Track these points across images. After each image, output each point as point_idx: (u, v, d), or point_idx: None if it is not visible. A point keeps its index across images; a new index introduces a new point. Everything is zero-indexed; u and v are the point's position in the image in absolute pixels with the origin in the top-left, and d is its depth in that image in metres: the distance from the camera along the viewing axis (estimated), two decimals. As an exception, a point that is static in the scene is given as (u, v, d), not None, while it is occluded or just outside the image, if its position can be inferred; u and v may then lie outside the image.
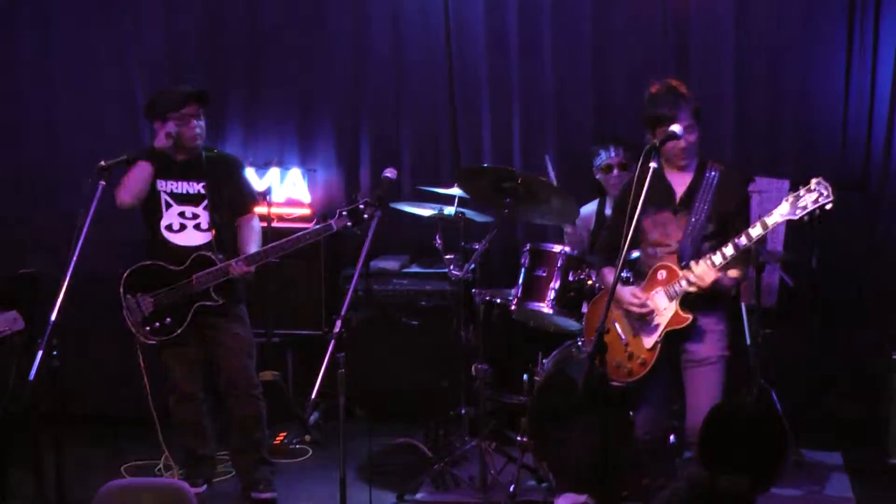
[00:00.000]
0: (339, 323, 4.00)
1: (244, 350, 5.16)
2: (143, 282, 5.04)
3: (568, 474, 5.04)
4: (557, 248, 5.27)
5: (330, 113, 6.49)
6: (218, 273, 4.98)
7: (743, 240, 4.16)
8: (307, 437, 5.94)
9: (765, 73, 5.95)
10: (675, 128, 4.24)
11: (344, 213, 4.79)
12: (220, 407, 5.26)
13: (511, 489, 5.09)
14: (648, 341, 4.37)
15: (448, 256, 5.43)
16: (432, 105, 6.38)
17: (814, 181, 4.06)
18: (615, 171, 5.56)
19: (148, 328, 5.03)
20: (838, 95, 5.86)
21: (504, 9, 6.17)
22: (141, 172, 5.04)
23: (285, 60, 6.44)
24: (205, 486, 5.30)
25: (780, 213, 4.09)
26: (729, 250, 4.18)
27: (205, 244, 5.08)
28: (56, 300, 4.18)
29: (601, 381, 3.96)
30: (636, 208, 3.95)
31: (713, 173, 4.37)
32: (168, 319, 5.02)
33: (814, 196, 4.02)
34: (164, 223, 5.10)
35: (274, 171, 6.38)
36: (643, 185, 4.02)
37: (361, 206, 4.75)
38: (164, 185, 5.11)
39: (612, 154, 5.56)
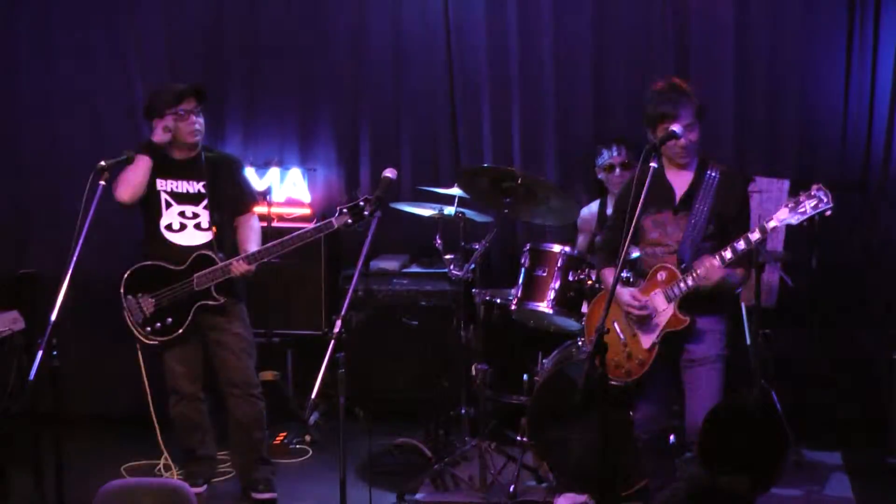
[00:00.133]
0: (339, 323, 3.99)
1: (244, 350, 5.16)
2: (144, 282, 5.04)
3: (568, 474, 5.04)
4: (557, 248, 5.27)
5: (330, 113, 6.49)
6: (219, 272, 4.98)
7: (742, 244, 4.16)
8: (307, 437, 5.95)
9: (765, 73, 5.95)
10: (676, 127, 4.25)
11: (344, 210, 4.79)
12: (220, 407, 5.26)
13: (511, 489, 5.10)
14: (647, 342, 4.37)
15: (448, 256, 5.43)
16: (432, 105, 6.38)
17: (814, 187, 4.06)
18: (617, 171, 5.56)
19: (149, 328, 5.03)
20: (838, 95, 5.86)
21: (504, 9, 6.17)
22: (139, 167, 5.03)
23: (285, 60, 6.44)
24: (205, 486, 5.30)
25: (779, 218, 4.10)
26: (728, 254, 4.18)
27: (205, 243, 5.08)
28: (56, 300, 4.18)
29: (601, 381, 3.96)
30: (636, 208, 3.95)
31: (714, 173, 4.37)
32: (169, 319, 5.02)
33: (813, 202, 4.02)
34: (163, 223, 5.10)
35: (274, 171, 6.38)
36: (643, 185, 4.03)
37: (362, 203, 4.75)
38: (164, 185, 5.11)
39: (615, 153, 5.56)
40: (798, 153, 5.94)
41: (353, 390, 4.24)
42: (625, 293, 4.40)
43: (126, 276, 5.07)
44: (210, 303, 5.01)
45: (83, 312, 5.80)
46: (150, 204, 5.11)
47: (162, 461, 5.40)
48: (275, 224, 6.08)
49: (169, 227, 5.10)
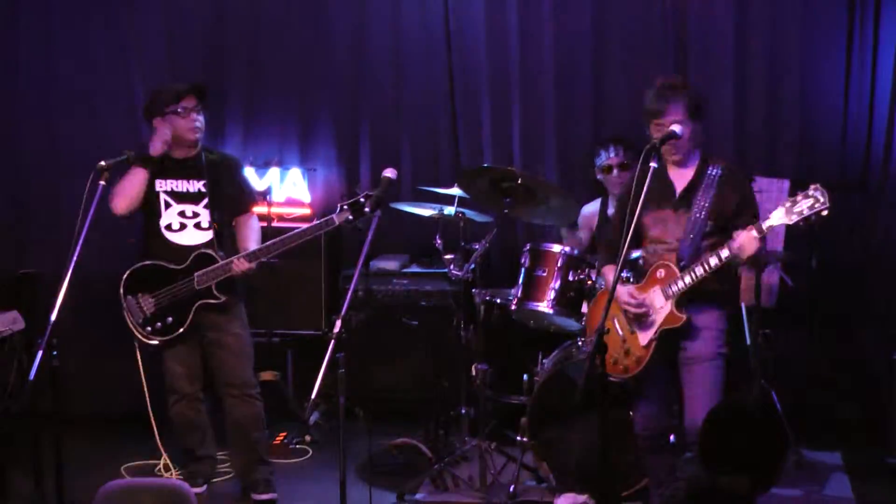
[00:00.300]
0: (339, 323, 3.99)
1: (243, 350, 5.16)
2: (144, 282, 5.04)
3: (568, 474, 5.04)
4: (557, 248, 5.27)
5: (330, 113, 6.49)
6: (220, 270, 4.98)
7: (726, 253, 4.15)
8: (307, 437, 5.95)
9: (765, 73, 5.95)
10: (675, 127, 4.25)
11: (345, 206, 4.78)
12: (220, 407, 5.26)
13: (511, 489, 5.10)
14: (644, 339, 4.38)
15: (448, 256, 5.43)
16: (432, 105, 6.38)
17: (811, 187, 4.05)
18: (615, 171, 5.56)
19: (150, 328, 5.03)
20: (838, 95, 5.86)
21: (504, 9, 6.17)
22: (135, 179, 5.04)
23: (285, 60, 6.44)
24: (205, 486, 5.30)
25: (777, 218, 4.08)
26: (725, 252, 4.18)
27: (205, 243, 5.07)
28: (56, 300, 4.18)
29: (601, 381, 3.96)
30: (636, 208, 3.95)
31: (715, 171, 4.36)
32: (170, 319, 5.02)
33: (809, 202, 4.00)
34: (163, 223, 5.10)
35: (274, 171, 6.38)
36: (643, 185, 4.04)
37: (362, 200, 4.75)
38: (163, 185, 5.10)
39: (613, 154, 5.56)
40: (798, 153, 5.94)
41: (353, 390, 4.24)
42: (622, 291, 4.41)
43: (126, 276, 5.06)
44: (211, 301, 5.01)
45: (83, 312, 5.81)
46: (149, 205, 5.10)
47: (162, 461, 5.40)
48: (275, 224, 6.08)
49: (169, 227, 5.10)
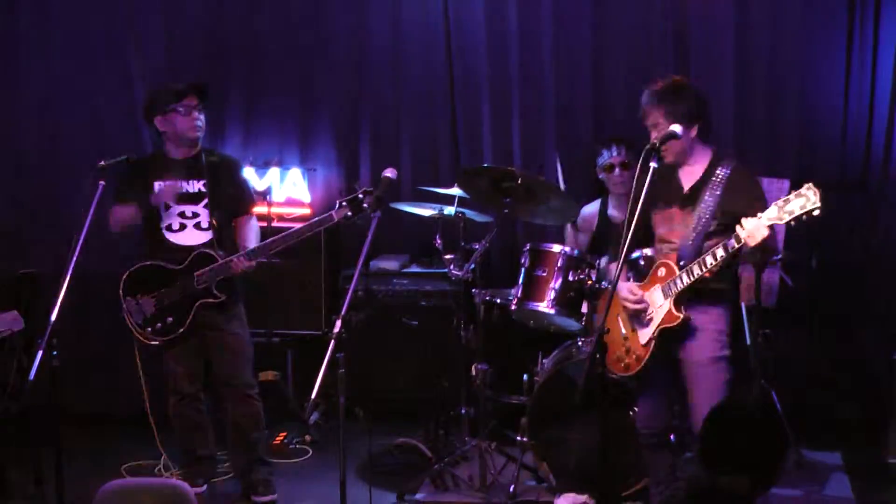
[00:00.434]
0: (339, 323, 3.99)
1: (242, 350, 5.16)
2: (143, 282, 5.04)
3: (568, 474, 5.04)
4: (557, 248, 5.27)
5: (330, 113, 6.49)
6: (220, 269, 4.98)
7: (733, 243, 4.14)
8: (307, 437, 5.95)
9: (765, 73, 5.95)
10: (675, 127, 4.25)
11: (344, 203, 4.78)
12: (220, 407, 5.26)
13: (511, 489, 5.10)
14: (644, 337, 4.38)
15: (448, 256, 5.43)
16: (432, 105, 6.38)
17: (805, 186, 4.01)
18: (617, 171, 5.56)
19: (150, 329, 5.03)
20: (838, 95, 5.86)
21: (504, 9, 6.17)
22: (124, 214, 5.11)
23: (285, 60, 6.44)
24: (205, 486, 5.30)
25: (768, 217, 4.05)
26: (720, 252, 4.16)
27: (205, 243, 5.07)
28: (56, 300, 4.18)
29: (601, 381, 3.96)
30: (636, 208, 3.95)
31: (724, 170, 4.34)
32: (170, 319, 5.02)
33: (801, 202, 3.96)
34: (163, 224, 5.10)
35: (274, 171, 6.38)
36: (643, 185, 4.04)
37: (361, 196, 4.75)
38: (162, 187, 5.10)
39: (614, 153, 5.56)
40: (798, 153, 5.94)
41: (353, 390, 4.23)
42: (623, 287, 4.42)
43: (125, 277, 5.06)
44: (211, 300, 5.01)
45: (83, 312, 5.81)
46: (148, 208, 5.11)
47: (162, 461, 5.40)
48: (275, 224, 6.08)
49: (169, 228, 5.11)
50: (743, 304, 5.33)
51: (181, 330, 5.02)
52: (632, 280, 4.62)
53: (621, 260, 4.03)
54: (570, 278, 5.19)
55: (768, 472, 4.56)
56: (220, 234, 5.11)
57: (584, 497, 4.93)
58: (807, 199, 3.94)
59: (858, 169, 5.88)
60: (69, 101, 6.45)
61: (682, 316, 4.28)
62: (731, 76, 5.94)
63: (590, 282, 5.15)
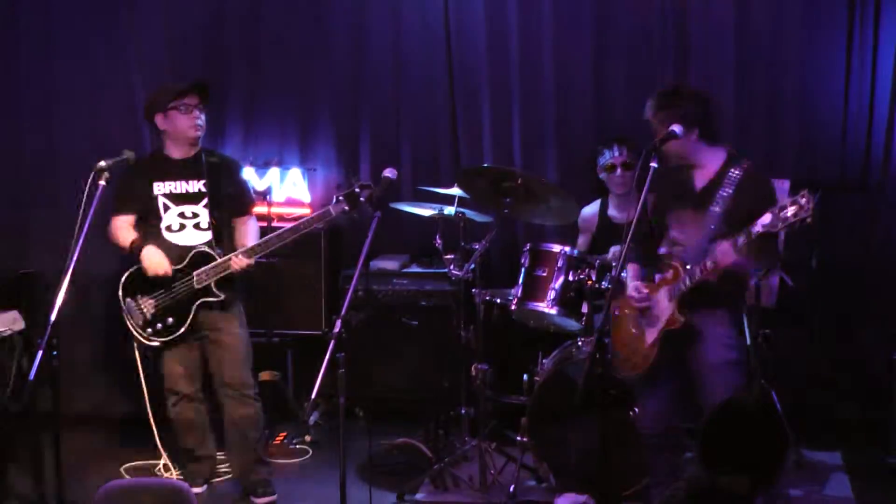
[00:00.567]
0: (339, 323, 3.99)
1: (241, 351, 5.16)
2: (143, 284, 5.04)
3: (568, 474, 5.04)
4: (557, 248, 5.27)
5: (330, 113, 6.48)
6: (219, 268, 4.98)
7: (742, 238, 4.12)
8: (307, 437, 5.94)
9: (765, 74, 5.95)
10: (676, 127, 4.25)
11: (340, 197, 4.79)
12: (219, 407, 5.26)
13: (511, 489, 5.09)
14: (649, 338, 4.37)
15: (448, 256, 5.43)
16: (432, 105, 6.37)
17: (800, 194, 3.91)
18: (618, 171, 5.56)
19: (150, 330, 5.03)
20: (838, 95, 5.86)
21: (504, 9, 6.17)
22: (124, 235, 5.12)
23: (285, 60, 6.44)
24: (205, 486, 5.31)
25: (762, 224, 3.99)
26: (709, 262, 4.13)
27: (204, 243, 5.07)
28: (56, 300, 4.18)
29: (601, 381, 3.96)
30: (636, 208, 3.95)
31: (737, 171, 4.28)
32: (170, 319, 5.02)
33: (794, 209, 3.89)
34: (163, 225, 5.10)
35: (274, 171, 6.38)
36: (643, 186, 4.04)
37: (357, 190, 4.75)
38: (162, 187, 5.10)
39: (616, 153, 5.56)
40: (798, 153, 5.94)
41: (353, 390, 4.23)
42: (629, 284, 4.41)
43: (124, 279, 5.07)
44: (211, 299, 5.01)
45: (83, 312, 5.81)
46: (148, 209, 5.11)
47: (162, 461, 5.40)
48: (275, 224, 6.07)
49: (169, 228, 5.11)
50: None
51: (182, 330, 5.02)
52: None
53: (621, 260, 4.03)
54: (571, 278, 5.19)
55: (768, 472, 4.56)
56: (220, 235, 5.11)
57: (584, 497, 4.93)
58: (799, 207, 3.87)
59: (858, 169, 5.88)
60: (69, 101, 6.45)
61: (682, 319, 4.26)
62: (732, 76, 5.94)
63: (590, 282, 5.15)
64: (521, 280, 5.30)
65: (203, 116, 5.11)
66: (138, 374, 5.16)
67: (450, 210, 5.46)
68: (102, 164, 4.58)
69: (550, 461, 5.11)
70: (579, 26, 6.11)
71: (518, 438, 5.25)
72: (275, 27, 6.43)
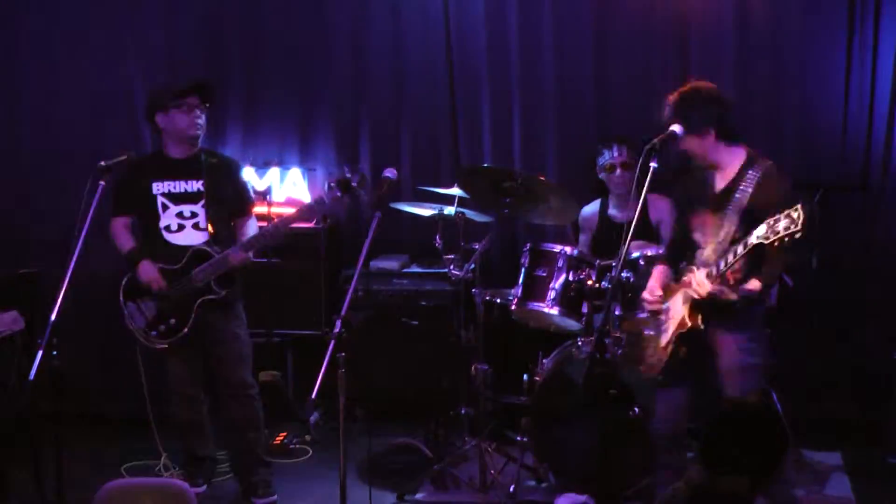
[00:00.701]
0: (339, 323, 3.99)
1: (241, 351, 5.16)
2: (143, 287, 5.04)
3: (568, 474, 5.04)
4: (557, 247, 5.27)
5: (330, 113, 6.48)
6: (218, 264, 4.98)
7: (730, 257, 4.07)
8: (307, 437, 5.94)
9: (765, 74, 5.94)
10: (675, 127, 4.24)
11: (332, 184, 4.79)
12: (219, 407, 5.26)
13: (511, 489, 5.09)
14: (664, 340, 4.37)
15: (448, 256, 5.43)
16: (432, 105, 6.37)
17: (793, 207, 3.80)
18: (618, 171, 5.56)
19: (154, 332, 5.03)
20: (838, 95, 5.86)
21: (504, 9, 6.17)
22: (121, 236, 5.14)
23: (285, 60, 6.44)
24: (205, 486, 5.31)
25: (757, 236, 3.92)
26: (719, 267, 4.11)
27: (203, 242, 5.07)
28: (56, 300, 4.18)
29: (602, 381, 3.96)
30: (636, 208, 3.95)
31: (755, 172, 4.23)
32: (172, 320, 5.02)
33: (786, 223, 3.82)
34: (162, 224, 5.10)
35: (274, 171, 6.38)
36: (643, 186, 4.04)
37: (349, 175, 4.76)
38: (161, 187, 5.10)
39: (616, 154, 5.56)
40: (798, 153, 5.94)
41: (353, 390, 4.23)
42: (647, 286, 4.42)
43: (124, 283, 5.07)
44: (212, 297, 5.01)
45: (83, 312, 5.80)
46: (147, 209, 5.11)
47: (162, 461, 5.40)
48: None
49: (167, 228, 5.11)
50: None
51: (185, 330, 5.01)
52: (632, 279, 4.62)
53: (620, 262, 4.03)
54: (571, 278, 5.19)
55: (768, 472, 4.55)
56: (219, 234, 5.11)
57: (584, 497, 4.93)
58: (791, 221, 3.82)
59: (858, 169, 5.88)
60: (70, 102, 6.45)
61: (690, 324, 4.24)
62: (732, 76, 5.94)
63: (590, 281, 5.15)
64: (521, 280, 5.30)
65: (204, 117, 5.11)
66: (140, 376, 5.16)
67: (450, 210, 5.46)
68: (102, 164, 4.58)
69: (550, 461, 5.11)
70: (579, 26, 6.11)
71: (518, 438, 5.24)
72: (275, 27, 6.42)
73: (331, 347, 3.96)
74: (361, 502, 4.70)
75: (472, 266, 5.32)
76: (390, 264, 6.21)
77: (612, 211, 5.70)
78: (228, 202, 5.16)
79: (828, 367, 5.87)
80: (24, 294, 5.71)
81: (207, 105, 5.12)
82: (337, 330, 3.98)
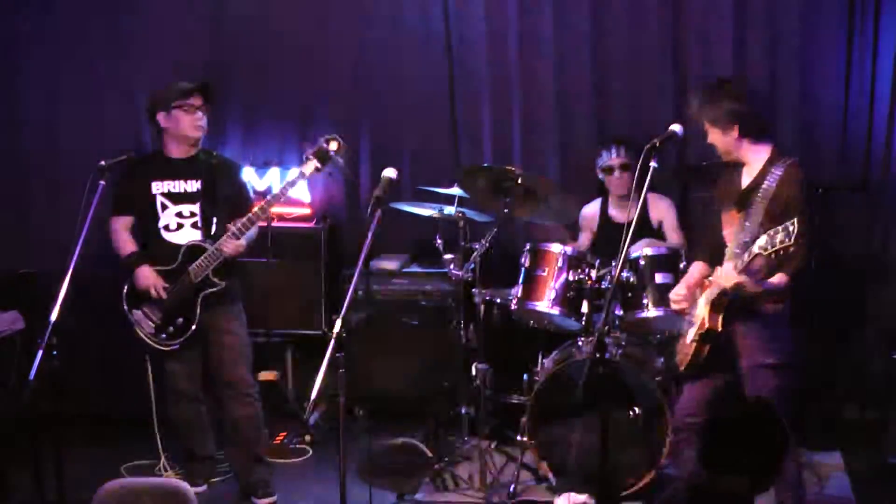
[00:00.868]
0: (339, 323, 3.99)
1: (241, 350, 5.16)
2: (144, 292, 5.04)
3: (568, 474, 5.04)
4: (557, 247, 5.27)
5: (330, 113, 6.47)
6: (212, 256, 4.98)
7: (745, 256, 4.05)
8: (307, 437, 5.94)
9: (765, 73, 5.94)
10: (675, 127, 4.24)
11: (309, 156, 4.79)
12: (219, 407, 5.26)
13: (511, 489, 5.10)
14: (689, 338, 4.36)
15: (448, 256, 5.43)
16: (432, 105, 6.37)
17: (790, 221, 3.79)
18: (616, 172, 5.57)
19: (164, 335, 5.04)
20: (838, 95, 5.86)
21: (504, 9, 6.17)
22: (120, 239, 5.14)
23: (285, 60, 6.43)
24: (205, 486, 5.31)
25: (759, 245, 3.93)
26: (745, 258, 4.10)
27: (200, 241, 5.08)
28: (56, 300, 4.18)
29: (602, 381, 3.96)
30: (636, 207, 3.94)
31: (778, 170, 4.21)
32: (179, 320, 5.03)
33: (781, 236, 3.78)
34: (161, 224, 5.10)
35: (274, 171, 6.38)
36: (643, 186, 4.04)
37: (324, 145, 4.76)
38: (160, 186, 5.10)
39: (614, 154, 5.56)
40: (798, 153, 5.91)
41: (353, 390, 4.23)
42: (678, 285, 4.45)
43: (125, 291, 5.08)
44: (213, 289, 5.01)
45: (83, 312, 5.79)
46: (146, 210, 5.11)
47: (162, 461, 5.40)
48: (275, 224, 6.08)
49: (166, 228, 5.11)
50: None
51: (193, 326, 5.02)
52: (632, 279, 4.61)
53: (620, 262, 4.02)
54: (570, 278, 5.19)
55: (768, 472, 4.55)
56: (218, 233, 5.10)
57: (584, 497, 4.93)
58: (785, 234, 3.82)
59: (858, 169, 5.87)
60: (69, 102, 6.45)
61: (707, 325, 4.23)
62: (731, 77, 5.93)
63: (590, 281, 5.15)
64: (521, 280, 5.30)
65: (205, 118, 5.11)
66: (147, 381, 5.17)
67: (450, 210, 5.46)
68: (102, 164, 4.59)
69: (550, 461, 5.11)
70: (579, 26, 6.10)
71: (518, 438, 5.25)
72: (275, 28, 6.42)
73: (331, 347, 3.96)
74: (361, 502, 4.70)
75: (472, 266, 5.32)
76: (390, 264, 6.21)
77: (612, 211, 5.70)
78: (228, 202, 5.16)
79: (828, 367, 5.87)
80: (23, 294, 5.71)
81: (210, 106, 5.12)
82: (337, 330, 3.98)
